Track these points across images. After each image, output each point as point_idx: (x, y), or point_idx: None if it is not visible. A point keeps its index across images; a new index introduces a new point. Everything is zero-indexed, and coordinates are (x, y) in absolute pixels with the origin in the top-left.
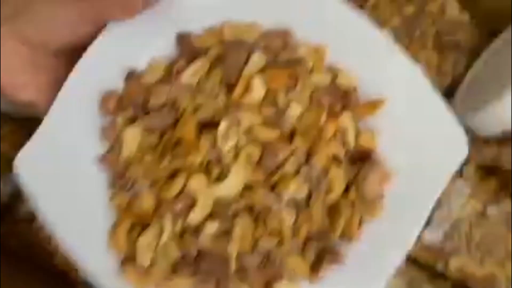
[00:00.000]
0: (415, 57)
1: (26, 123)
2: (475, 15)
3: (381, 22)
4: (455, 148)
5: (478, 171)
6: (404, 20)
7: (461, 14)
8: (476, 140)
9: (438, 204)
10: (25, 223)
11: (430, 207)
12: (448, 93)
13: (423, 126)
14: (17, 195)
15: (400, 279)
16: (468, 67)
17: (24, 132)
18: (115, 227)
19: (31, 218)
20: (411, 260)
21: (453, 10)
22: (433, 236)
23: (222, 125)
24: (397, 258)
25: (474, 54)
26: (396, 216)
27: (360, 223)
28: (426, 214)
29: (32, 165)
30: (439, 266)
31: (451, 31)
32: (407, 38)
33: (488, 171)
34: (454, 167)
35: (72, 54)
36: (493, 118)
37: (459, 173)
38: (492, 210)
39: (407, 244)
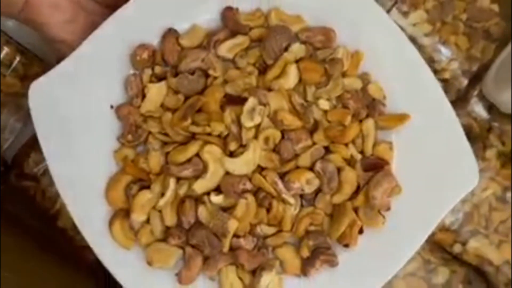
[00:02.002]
0: (447, 41)
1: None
2: (503, 7)
3: (415, 4)
4: (466, 178)
5: (500, 157)
6: (438, 4)
7: (491, 4)
8: (501, 122)
9: None
10: (30, 182)
11: (430, 229)
12: (476, 77)
13: (439, 150)
14: (24, 153)
15: (416, 262)
16: (496, 54)
17: None
18: (115, 179)
19: (37, 177)
20: (428, 242)
21: (484, 0)
22: (454, 218)
23: (250, 102)
24: (389, 272)
25: (502, 42)
26: (395, 232)
27: (360, 231)
28: (425, 236)
29: (45, 95)
30: (457, 248)
31: (481, 19)
32: (440, 22)
33: (509, 157)
34: (461, 195)
35: (115, 5)
36: None
37: (483, 157)
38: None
39: (401, 261)
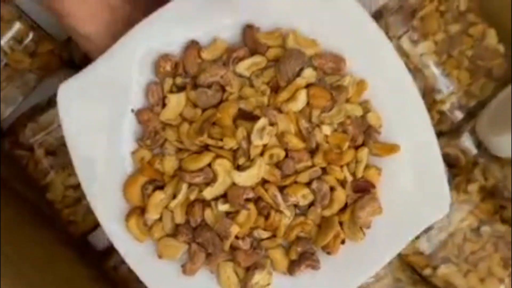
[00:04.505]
0: (450, 74)
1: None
2: (509, 49)
3: (426, 34)
4: (439, 207)
5: (481, 191)
6: (447, 37)
7: (498, 45)
8: (487, 159)
9: None
10: (24, 151)
11: (400, 248)
12: (471, 114)
13: (420, 180)
14: (21, 122)
15: (387, 279)
16: (494, 94)
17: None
18: (132, 179)
19: (32, 148)
20: (401, 262)
21: (492, 39)
22: (429, 244)
23: (261, 121)
24: (361, 278)
25: (502, 83)
26: (371, 245)
27: (342, 242)
28: (394, 253)
29: (72, 96)
30: (427, 271)
31: (486, 57)
32: (446, 54)
33: (489, 193)
34: (431, 221)
35: (138, 2)
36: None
37: (465, 190)
38: (485, 230)
39: (372, 270)
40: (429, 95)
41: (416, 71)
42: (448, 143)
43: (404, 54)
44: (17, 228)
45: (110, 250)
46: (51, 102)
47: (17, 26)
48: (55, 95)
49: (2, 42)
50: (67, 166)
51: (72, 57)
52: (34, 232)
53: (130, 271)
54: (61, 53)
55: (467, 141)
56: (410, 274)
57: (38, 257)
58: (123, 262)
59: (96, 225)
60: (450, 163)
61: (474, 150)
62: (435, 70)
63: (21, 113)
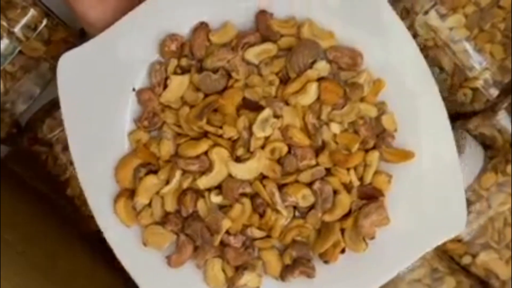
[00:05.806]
0: (482, 49)
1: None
2: None
3: (455, 7)
4: (453, 224)
5: None
6: (478, 10)
7: None
8: None
9: (478, 197)
10: (43, 147)
11: (406, 265)
12: (507, 90)
13: (435, 193)
14: (38, 118)
15: (423, 269)
16: None
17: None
18: (126, 160)
19: (51, 143)
20: (438, 250)
21: None
22: (468, 230)
23: (266, 112)
24: None
25: None
26: (373, 258)
27: (342, 251)
28: (399, 269)
29: (74, 68)
30: (466, 259)
31: None
32: (477, 28)
33: None
34: (443, 240)
35: None
36: None
37: (504, 171)
38: None
39: (371, 285)
40: (460, 72)
41: (445, 47)
42: (483, 123)
43: (431, 30)
44: (31, 223)
45: None
46: None
47: (31, 12)
48: None
49: (16, 29)
50: None
51: None
52: (50, 227)
53: None
54: (75, 42)
55: (503, 120)
56: (447, 263)
57: (54, 253)
58: None
59: None
60: (486, 143)
61: (511, 129)
62: (466, 45)
63: (39, 108)
